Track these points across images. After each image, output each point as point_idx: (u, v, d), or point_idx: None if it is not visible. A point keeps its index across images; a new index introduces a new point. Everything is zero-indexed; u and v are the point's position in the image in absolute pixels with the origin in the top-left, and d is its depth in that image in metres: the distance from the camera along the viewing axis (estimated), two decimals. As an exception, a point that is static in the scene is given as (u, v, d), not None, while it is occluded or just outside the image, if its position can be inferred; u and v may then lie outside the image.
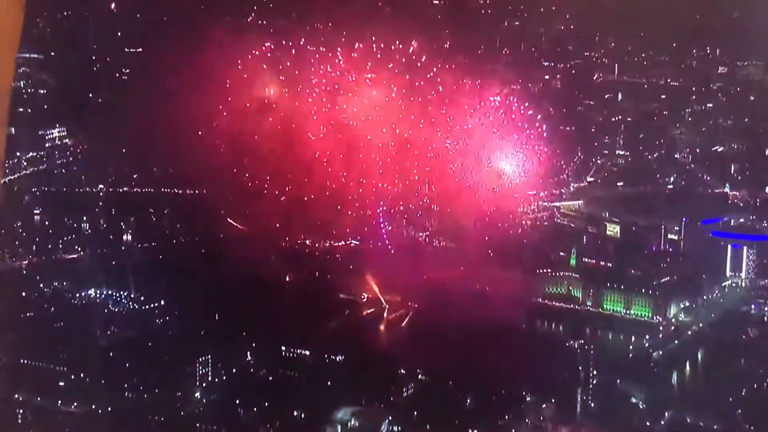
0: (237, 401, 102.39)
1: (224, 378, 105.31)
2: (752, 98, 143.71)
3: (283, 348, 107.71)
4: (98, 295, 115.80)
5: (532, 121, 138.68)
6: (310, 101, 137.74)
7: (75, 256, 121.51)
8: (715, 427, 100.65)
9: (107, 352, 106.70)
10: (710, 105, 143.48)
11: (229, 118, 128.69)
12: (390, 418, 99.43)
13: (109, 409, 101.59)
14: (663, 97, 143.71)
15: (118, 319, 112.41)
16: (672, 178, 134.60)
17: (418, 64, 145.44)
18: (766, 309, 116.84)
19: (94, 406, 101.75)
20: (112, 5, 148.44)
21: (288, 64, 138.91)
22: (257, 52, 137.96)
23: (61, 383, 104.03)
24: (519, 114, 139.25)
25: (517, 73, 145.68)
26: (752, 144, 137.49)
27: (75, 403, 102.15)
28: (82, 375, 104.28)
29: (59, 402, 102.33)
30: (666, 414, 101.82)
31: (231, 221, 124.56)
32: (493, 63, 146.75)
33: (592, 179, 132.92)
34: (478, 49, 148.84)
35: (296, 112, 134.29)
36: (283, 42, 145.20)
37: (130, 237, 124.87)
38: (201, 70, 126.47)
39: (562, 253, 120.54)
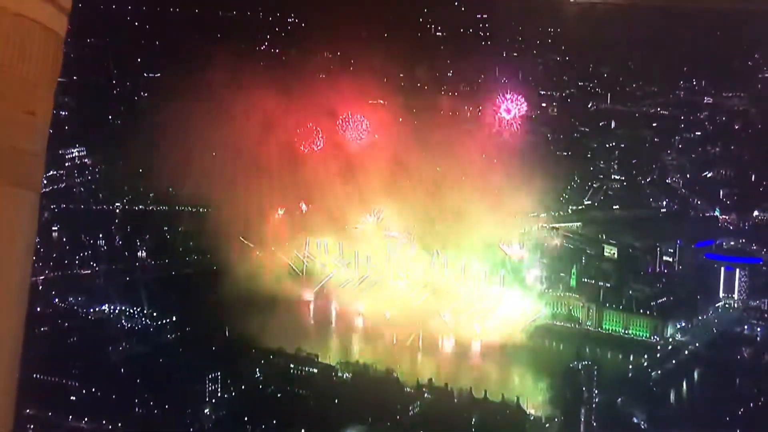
0: (246, 418, 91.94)
1: (233, 395, 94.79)
2: (736, 127, 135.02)
3: (292, 365, 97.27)
4: (111, 311, 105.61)
5: (531, 146, 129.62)
6: (317, 125, 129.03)
7: (90, 271, 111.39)
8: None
9: (118, 367, 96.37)
10: (698, 133, 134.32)
11: (241, 140, 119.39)
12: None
13: (120, 424, 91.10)
14: (654, 125, 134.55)
15: (130, 335, 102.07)
16: (665, 202, 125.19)
17: (421, 92, 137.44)
18: (758, 330, 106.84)
19: (104, 422, 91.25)
20: (132, 33, 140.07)
21: (300, 90, 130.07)
22: (268, 79, 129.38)
23: (73, 398, 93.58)
24: (519, 139, 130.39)
25: (516, 101, 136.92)
26: (738, 170, 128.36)
27: (85, 419, 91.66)
28: (93, 390, 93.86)
29: (70, 417, 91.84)
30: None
31: (242, 239, 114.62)
32: (493, 91, 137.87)
33: (589, 202, 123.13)
34: (479, 78, 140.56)
35: (305, 136, 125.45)
36: (292, 69, 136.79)
37: (144, 254, 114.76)
38: (215, 94, 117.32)
39: (562, 274, 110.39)
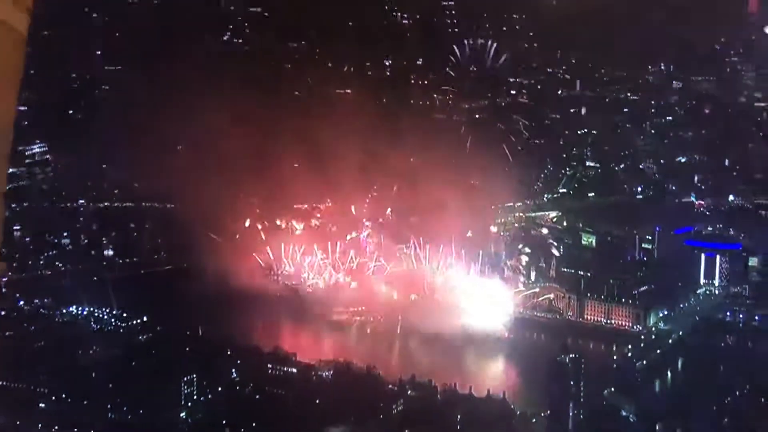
0: (224, 421, 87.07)
1: (210, 397, 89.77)
2: (707, 111, 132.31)
3: (269, 365, 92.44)
4: (79, 312, 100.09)
5: (502, 134, 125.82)
6: (286, 118, 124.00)
7: (56, 272, 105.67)
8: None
9: (89, 371, 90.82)
10: (669, 118, 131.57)
11: (207, 134, 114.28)
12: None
13: (92, 431, 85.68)
14: (625, 110, 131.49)
15: (100, 337, 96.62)
16: (639, 188, 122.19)
17: (390, 81, 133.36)
18: (740, 316, 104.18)
19: (76, 429, 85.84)
20: (92, 25, 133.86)
21: (265, 82, 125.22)
22: (232, 70, 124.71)
23: (42, 405, 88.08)
24: (490, 128, 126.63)
25: (485, 89, 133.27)
26: (712, 154, 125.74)
27: (56, 426, 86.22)
28: (63, 396, 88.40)
29: (39, 425, 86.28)
30: (657, 426, 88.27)
31: (212, 235, 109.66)
32: (462, 80, 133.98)
33: (564, 190, 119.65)
34: (447, 67, 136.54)
35: (272, 128, 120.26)
36: (259, 61, 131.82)
37: (111, 252, 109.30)
38: (177, 86, 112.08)
39: (542, 264, 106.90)
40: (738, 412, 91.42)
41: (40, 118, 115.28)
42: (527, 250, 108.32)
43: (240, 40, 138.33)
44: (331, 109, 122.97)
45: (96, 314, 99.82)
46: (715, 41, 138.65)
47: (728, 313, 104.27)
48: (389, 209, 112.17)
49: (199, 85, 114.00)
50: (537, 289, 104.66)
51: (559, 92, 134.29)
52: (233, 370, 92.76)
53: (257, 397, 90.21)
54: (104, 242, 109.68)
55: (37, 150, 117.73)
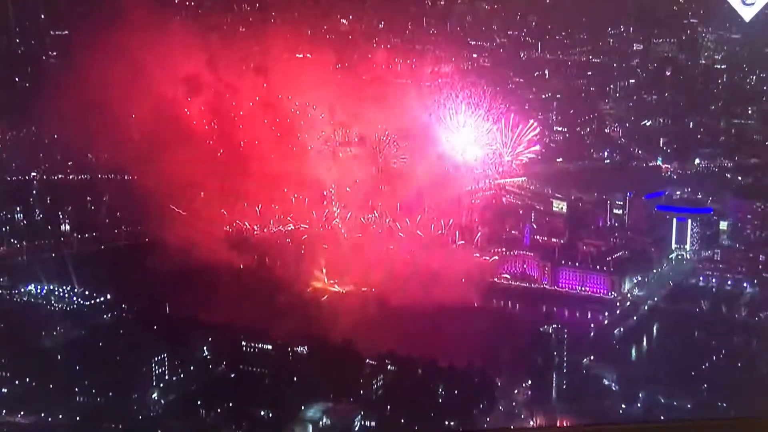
0: (198, 402, 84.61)
1: (182, 376, 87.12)
2: (668, 73, 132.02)
3: (243, 342, 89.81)
4: (39, 292, 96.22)
5: (465, 99, 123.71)
6: (245, 83, 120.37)
7: (11, 249, 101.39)
8: (688, 405, 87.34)
9: (53, 354, 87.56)
10: (632, 81, 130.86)
11: (165, 101, 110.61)
12: (362, 413, 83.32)
13: (60, 416, 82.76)
14: (589, 74, 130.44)
15: (63, 317, 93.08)
16: (606, 153, 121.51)
17: (351, 45, 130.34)
18: (713, 281, 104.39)
19: (42, 414, 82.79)
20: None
21: (221, 46, 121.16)
22: (189, 36, 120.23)
23: (4, 390, 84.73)
24: (453, 93, 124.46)
25: (446, 53, 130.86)
26: (675, 118, 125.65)
27: (21, 412, 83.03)
28: (27, 380, 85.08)
29: (3, 412, 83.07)
30: (640, 394, 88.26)
31: (173, 207, 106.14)
32: (423, 43, 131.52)
33: (532, 156, 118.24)
34: (407, 30, 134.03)
35: (231, 94, 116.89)
36: (215, 25, 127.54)
37: (68, 227, 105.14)
38: (129, 51, 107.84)
39: (514, 232, 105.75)
40: (716, 376, 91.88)
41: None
42: (500, 217, 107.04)
43: (191, 2, 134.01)
44: (291, 74, 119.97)
45: (56, 293, 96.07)
46: (674, 2, 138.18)
47: (701, 278, 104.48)
48: (356, 179, 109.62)
49: (150, 49, 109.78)
50: (511, 257, 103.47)
51: (522, 56, 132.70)
52: (204, 348, 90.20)
53: (232, 375, 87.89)
54: (60, 217, 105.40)
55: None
